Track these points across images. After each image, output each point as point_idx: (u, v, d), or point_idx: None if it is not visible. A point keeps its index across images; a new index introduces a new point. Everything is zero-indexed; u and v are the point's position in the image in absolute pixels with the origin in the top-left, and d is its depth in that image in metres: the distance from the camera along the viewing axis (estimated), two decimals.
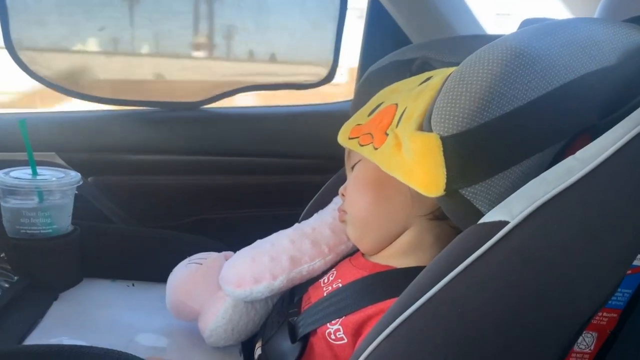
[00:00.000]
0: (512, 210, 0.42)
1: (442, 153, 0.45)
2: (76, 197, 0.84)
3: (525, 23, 0.81)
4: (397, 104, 0.58)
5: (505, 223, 0.41)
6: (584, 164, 0.43)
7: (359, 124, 0.65)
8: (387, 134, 0.56)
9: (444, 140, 0.45)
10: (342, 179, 0.88)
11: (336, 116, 1.22)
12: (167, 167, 1.14)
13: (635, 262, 0.55)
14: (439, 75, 0.57)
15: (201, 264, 0.73)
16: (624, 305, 0.57)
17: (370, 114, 0.64)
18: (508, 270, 0.40)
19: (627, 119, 0.46)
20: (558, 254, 0.41)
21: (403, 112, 0.55)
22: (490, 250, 0.41)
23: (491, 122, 0.44)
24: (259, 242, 0.72)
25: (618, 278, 0.44)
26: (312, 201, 0.89)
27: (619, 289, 0.57)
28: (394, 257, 0.63)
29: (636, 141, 0.44)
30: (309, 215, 0.81)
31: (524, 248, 0.40)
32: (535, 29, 0.49)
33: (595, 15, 0.75)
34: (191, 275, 0.72)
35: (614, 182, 0.43)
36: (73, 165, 1.07)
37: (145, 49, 1.10)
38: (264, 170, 1.18)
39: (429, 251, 0.62)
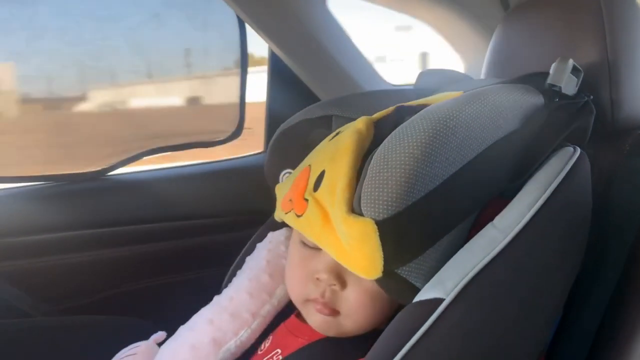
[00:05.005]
0: (445, 286, 0.45)
1: (378, 238, 0.46)
2: None
3: (424, 74, 0.85)
4: (310, 165, 0.57)
5: (441, 300, 0.44)
6: (505, 233, 0.47)
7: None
8: (306, 199, 0.54)
9: (379, 224, 0.46)
10: (261, 238, 0.86)
11: (248, 170, 1.22)
12: (72, 244, 1.05)
13: None
14: (344, 132, 0.57)
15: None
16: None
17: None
18: (451, 345, 0.43)
19: (534, 182, 0.51)
20: (494, 323, 0.44)
21: (321, 175, 0.54)
22: (432, 328, 0.43)
23: (418, 202, 0.46)
24: (182, 328, 0.68)
25: (549, 331, 0.48)
26: (234, 264, 0.86)
27: None
28: None
29: (547, 207, 0.48)
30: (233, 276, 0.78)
31: (463, 323, 0.44)
32: (446, 105, 0.51)
33: (483, 68, 0.80)
34: None
35: (534, 247, 0.47)
36: None
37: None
38: (179, 234, 1.13)
39: None
